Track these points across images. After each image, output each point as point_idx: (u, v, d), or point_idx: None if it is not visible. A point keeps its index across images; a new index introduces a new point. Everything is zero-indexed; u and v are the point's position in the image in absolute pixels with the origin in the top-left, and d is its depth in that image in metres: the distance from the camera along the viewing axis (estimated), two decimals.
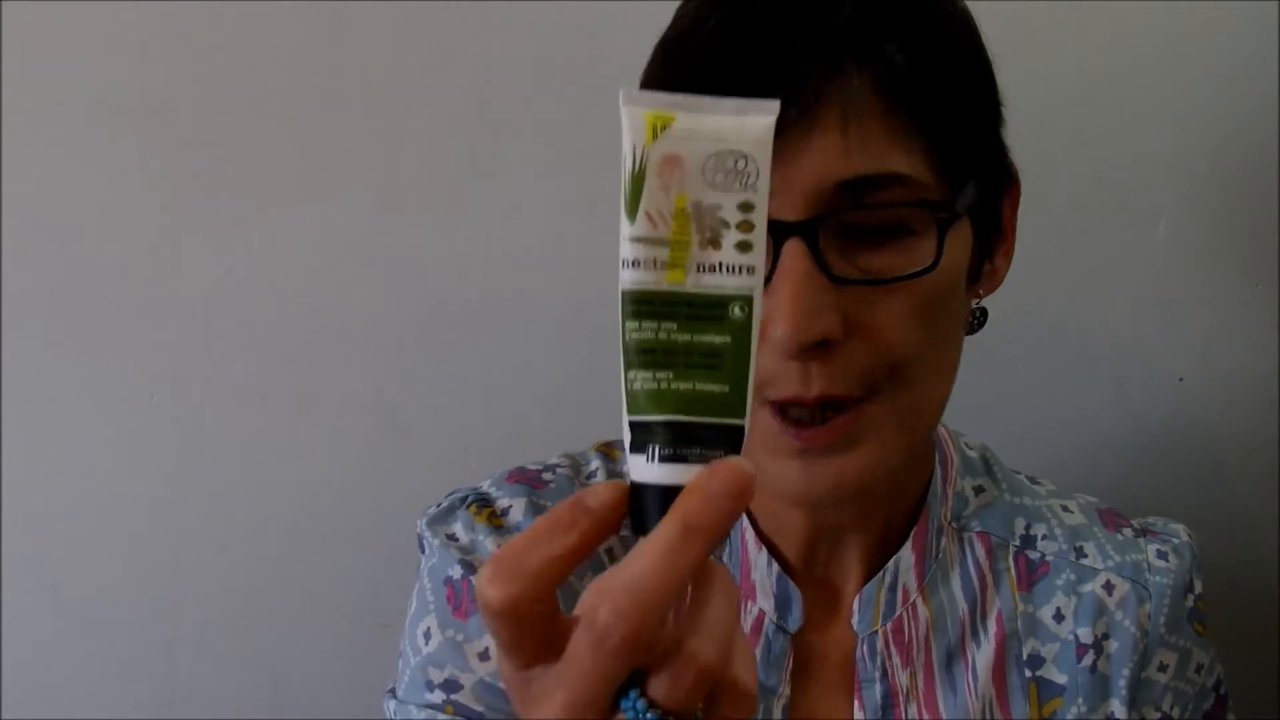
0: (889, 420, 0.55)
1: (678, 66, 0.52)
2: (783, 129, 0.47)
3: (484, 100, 0.93)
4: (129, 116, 0.92)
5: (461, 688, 0.64)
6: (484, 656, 0.64)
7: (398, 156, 0.94)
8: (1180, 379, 1.01)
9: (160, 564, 1.01)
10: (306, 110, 0.93)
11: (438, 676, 0.64)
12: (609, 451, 0.69)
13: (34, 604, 1.01)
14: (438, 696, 0.64)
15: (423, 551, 0.67)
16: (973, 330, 0.61)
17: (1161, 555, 0.67)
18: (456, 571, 0.64)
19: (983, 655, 0.64)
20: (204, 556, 1.01)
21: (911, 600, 0.64)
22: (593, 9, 0.92)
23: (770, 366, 0.52)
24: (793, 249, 0.50)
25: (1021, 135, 0.97)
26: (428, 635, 0.65)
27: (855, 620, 0.64)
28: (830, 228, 0.51)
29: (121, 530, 1.00)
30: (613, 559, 0.64)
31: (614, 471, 0.68)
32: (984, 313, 0.61)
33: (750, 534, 0.64)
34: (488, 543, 0.64)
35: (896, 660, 0.64)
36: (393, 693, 0.67)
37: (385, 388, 0.99)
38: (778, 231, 0.50)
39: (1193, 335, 0.99)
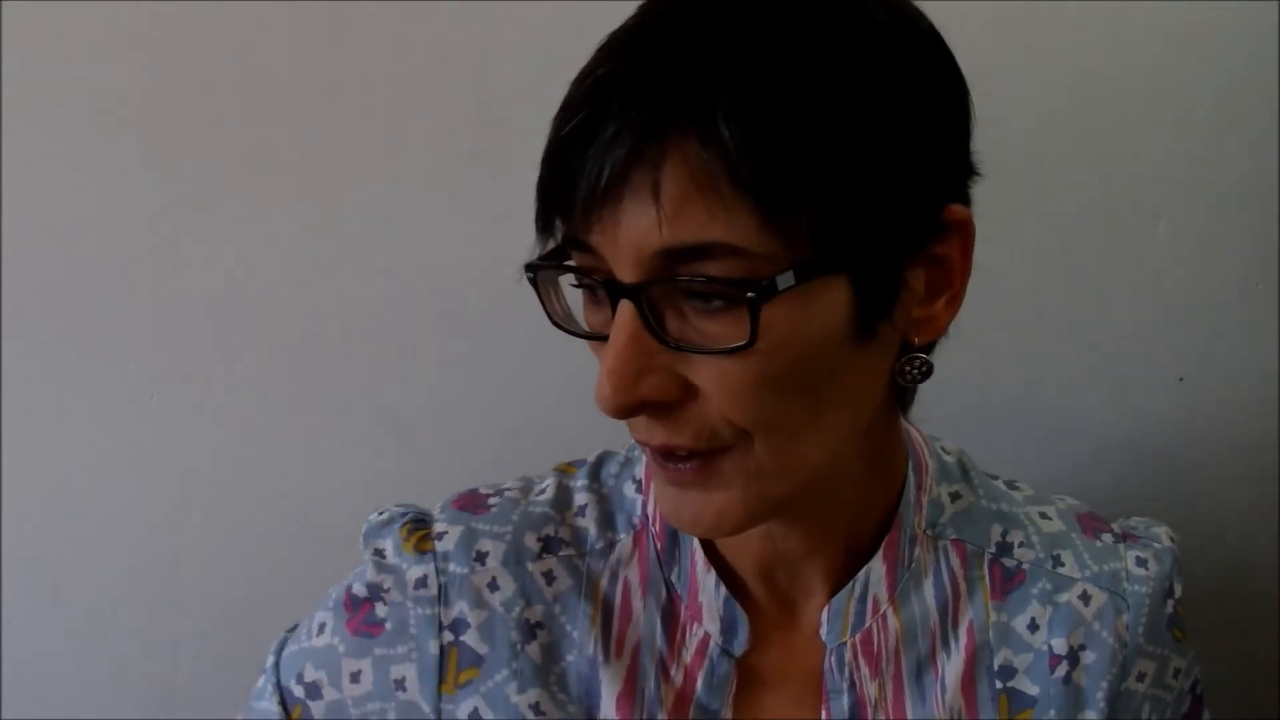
0: (745, 473, 0.53)
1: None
2: (608, 194, 0.48)
3: (484, 100, 0.93)
4: (129, 116, 0.92)
5: (321, 699, 0.64)
6: (355, 679, 0.64)
7: (398, 156, 0.94)
8: (1180, 379, 1.01)
9: (160, 564, 1.01)
10: (306, 110, 0.93)
11: (309, 674, 0.65)
12: (565, 469, 0.69)
13: (34, 604, 1.01)
14: (299, 691, 0.65)
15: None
16: (912, 381, 0.56)
17: (1141, 563, 0.66)
18: (361, 592, 0.65)
19: (952, 666, 0.64)
20: (204, 556, 1.01)
21: (882, 611, 0.63)
22: (593, 9, 0.91)
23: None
24: (624, 310, 0.50)
25: (1022, 135, 0.98)
26: (321, 629, 0.65)
27: (824, 631, 0.63)
28: (665, 290, 0.50)
29: (121, 530, 1.00)
30: (551, 580, 0.64)
31: (565, 487, 0.67)
32: (925, 364, 0.56)
33: (700, 555, 0.63)
34: (407, 571, 0.64)
35: (865, 671, 0.63)
36: (284, 640, 0.68)
37: (385, 388, 0.99)
38: (613, 291, 0.50)
39: (1193, 335, 0.99)
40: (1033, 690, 0.64)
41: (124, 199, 0.93)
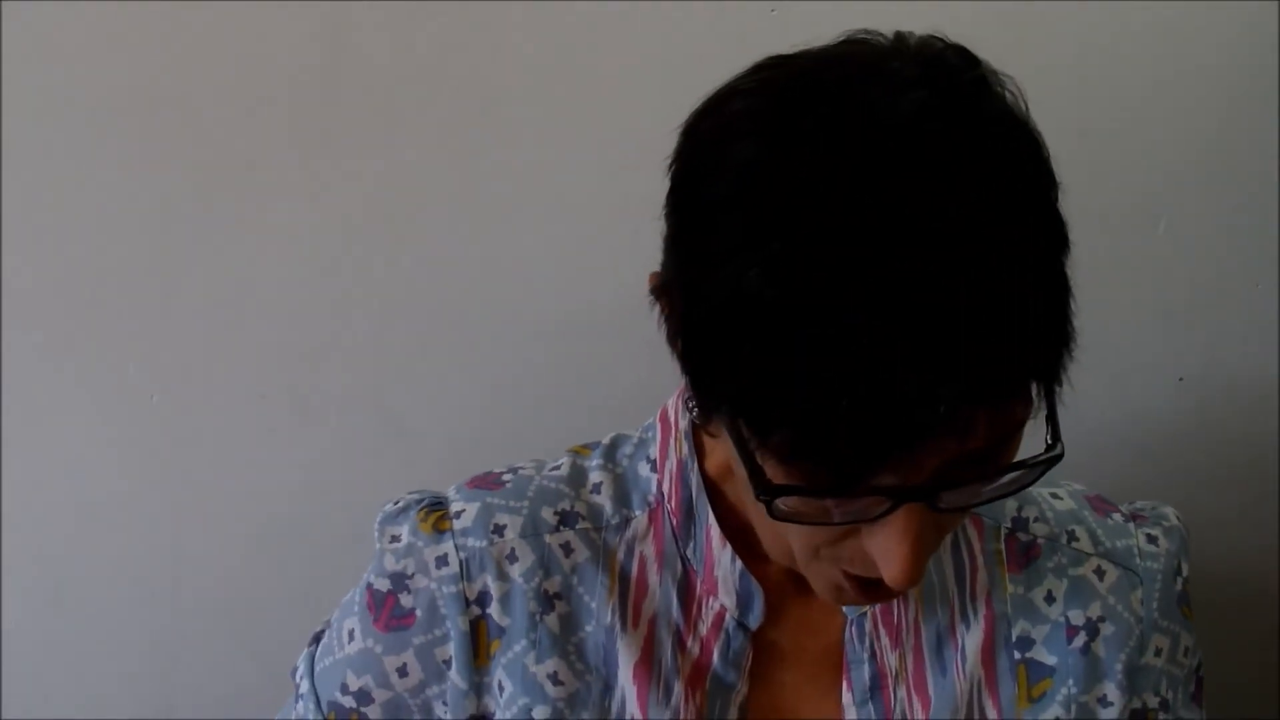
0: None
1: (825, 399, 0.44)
2: (936, 443, 0.45)
3: (484, 100, 0.93)
4: (129, 116, 0.92)
5: (373, 702, 0.65)
6: (403, 673, 0.65)
7: (398, 156, 0.94)
8: (1180, 379, 1.01)
9: (160, 564, 1.01)
10: (307, 110, 0.93)
11: (354, 683, 0.65)
12: (580, 450, 0.69)
13: (34, 604, 1.01)
14: (349, 701, 0.66)
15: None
16: None
17: (1151, 540, 0.67)
18: (383, 585, 0.65)
19: (972, 637, 0.65)
20: (204, 556, 1.01)
21: None
22: (593, 9, 0.92)
23: (862, 561, 0.52)
24: (912, 506, 0.48)
25: None
26: (351, 635, 0.66)
27: None
28: (949, 483, 0.49)
29: (121, 530, 1.00)
30: (568, 552, 0.65)
31: (580, 466, 0.67)
32: None
33: (716, 531, 0.64)
34: (426, 551, 0.64)
35: (885, 642, 0.64)
36: (312, 655, 0.69)
37: (385, 388, 0.99)
38: (900, 495, 0.47)
39: (1193, 335, 0.99)
40: (1051, 660, 0.65)
41: (124, 199, 0.93)
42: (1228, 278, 0.99)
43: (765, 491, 0.48)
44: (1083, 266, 0.99)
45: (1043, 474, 0.50)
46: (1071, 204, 1.00)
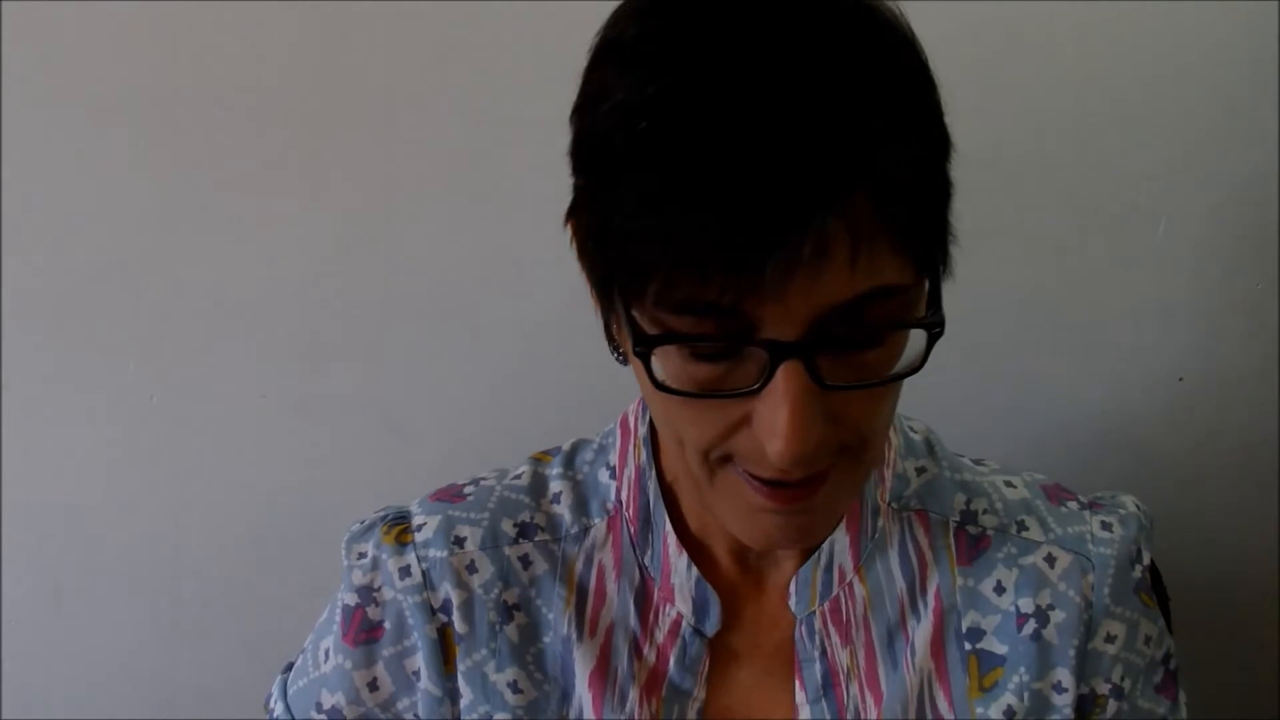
0: (856, 470, 0.55)
1: (671, 214, 0.46)
2: (795, 263, 0.45)
3: (484, 100, 0.93)
4: (129, 116, 0.92)
5: (345, 719, 0.66)
6: (373, 687, 0.66)
7: (398, 156, 0.94)
8: (1180, 379, 1.01)
9: (160, 564, 1.01)
10: (307, 110, 0.93)
11: (327, 700, 0.66)
12: (541, 457, 0.70)
13: (34, 604, 1.01)
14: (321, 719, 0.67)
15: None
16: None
17: (1106, 526, 0.67)
18: (352, 599, 0.66)
19: (921, 630, 0.65)
20: (204, 556, 1.01)
21: (848, 580, 0.64)
22: (593, 9, 0.91)
23: (755, 452, 0.51)
24: (791, 369, 0.48)
25: (1023, 135, 0.97)
26: (327, 654, 0.67)
27: (793, 602, 0.64)
28: (825, 341, 0.49)
29: (121, 530, 1.00)
30: (527, 565, 0.65)
31: (540, 475, 0.68)
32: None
33: (672, 539, 0.64)
34: (390, 563, 0.65)
35: (835, 639, 0.64)
36: (285, 681, 0.69)
37: (385, 388, 0.99)
38: (776, 352, 0.48)
39: (1193, 335, 0.99)
40: (1001, 650, 0.65)
41: (124, 199, 0.94)
42: (1228, 278, 0.98)
43: (643, 342, 0.48)
44: (1083, 266, 0.99)
45: (926, 351, 0.50)
46: (1071, 205, 1.01)
